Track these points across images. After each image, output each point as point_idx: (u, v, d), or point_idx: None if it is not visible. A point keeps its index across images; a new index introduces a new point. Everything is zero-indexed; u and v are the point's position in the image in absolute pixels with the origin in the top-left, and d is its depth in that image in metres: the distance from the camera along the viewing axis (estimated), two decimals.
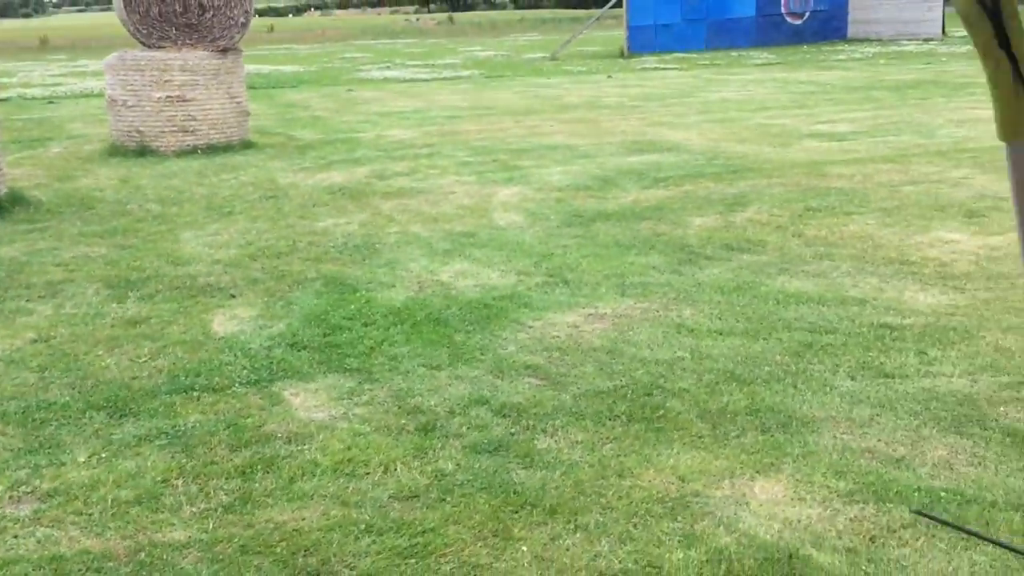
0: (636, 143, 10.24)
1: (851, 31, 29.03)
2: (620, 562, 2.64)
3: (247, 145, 10.41)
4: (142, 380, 4.02)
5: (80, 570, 2.66)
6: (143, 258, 6.00)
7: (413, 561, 2.68)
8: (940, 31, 28.80)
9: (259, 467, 3.24)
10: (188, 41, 10.08)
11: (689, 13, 27.00)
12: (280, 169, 9.17)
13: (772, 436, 3.36)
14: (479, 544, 2.76)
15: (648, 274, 5.38)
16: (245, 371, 4.10)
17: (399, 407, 3.71)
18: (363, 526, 2.86)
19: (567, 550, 2.71)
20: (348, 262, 5.82)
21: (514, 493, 3.02)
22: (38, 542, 2.81)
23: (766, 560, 2.62)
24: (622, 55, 25.60)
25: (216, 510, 2.97)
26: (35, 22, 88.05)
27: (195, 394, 3.87)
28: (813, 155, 9.14)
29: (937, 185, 7.51)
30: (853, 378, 3.84)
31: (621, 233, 6.33)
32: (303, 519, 2.91)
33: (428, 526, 2.85)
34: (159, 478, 3.17)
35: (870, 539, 2.71)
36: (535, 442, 3.37)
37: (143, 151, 9.87)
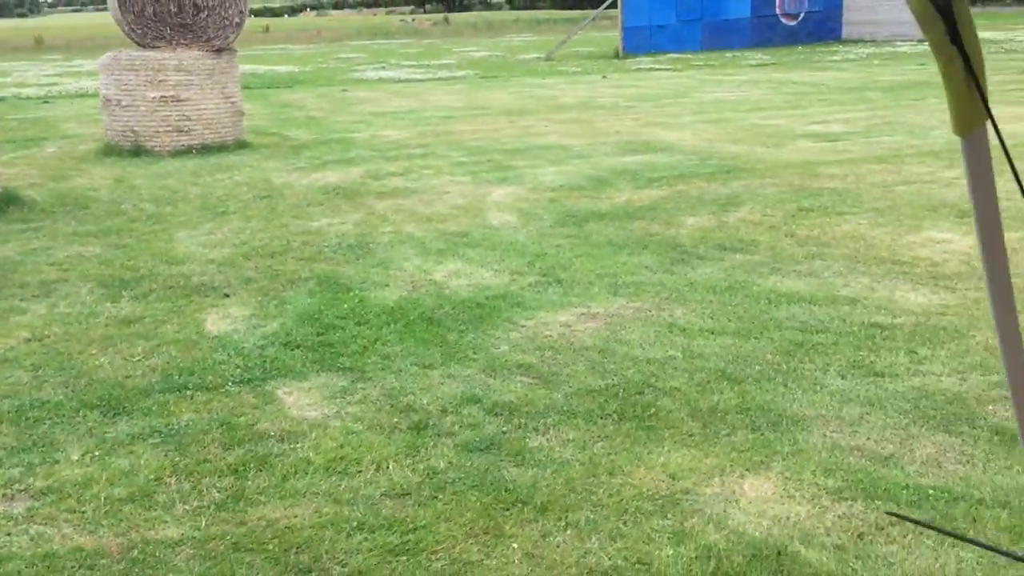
0: (630, 143, 10.26)
1: (846, 32, 29.10)
2: (610, 559, 2.66)
3: (242, 145, 10.41)
4: (135, 379, 4.03)
5: (73, 567, 2.68)
6: (137, 257, 6.01)
7: (404, 558, 2.70)
8: None
9: (252, 465, 3.25)
10: (183, 41, 10.09)
11: (684, 14, 27.06)
12: (275, 169, 9.18)
13: (762, 434, 3.38)
14: (470, 541, 2.77)
15: (641, 274, 5.40)
16: (238, 370, 4.11)
17: (392, 406, 3.72)
18: (355, 523, 2.87)
19: (557, 547, 2.73)
20: (342, 262, 5.83)
21: (505, 491, 3.04)
22: (31, 540, 2.82)
23: (755, 557, 2.64)
24: (617, 56, 25.64)
25: (209, 508, 2.98)
26: (30, 22, 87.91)
27: (188, 393, 3.88)
28: (806, 155, 9.17)
29: (929, 185, 7.54)
30: (843, 377, 3.86)
31: (614, 233, 6.35)
32: (295, 517, 2.92)
33: (420, 523, 2.87)
34: (152, 476, 3.19)
35: (858, 536, 2.73)
36: (527, 440, 3.39)
37: (138, 151, 9.88)
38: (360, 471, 3.20)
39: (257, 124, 12.31)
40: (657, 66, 22.34)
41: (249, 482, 3.14)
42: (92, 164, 9.58)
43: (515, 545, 2.74)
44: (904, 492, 2.95)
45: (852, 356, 4.07)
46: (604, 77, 19.67)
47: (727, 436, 3.38)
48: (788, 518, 2.84)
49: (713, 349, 4.21)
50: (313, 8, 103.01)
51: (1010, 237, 5.91)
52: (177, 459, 3.30)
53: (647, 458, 3.24)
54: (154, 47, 10.02)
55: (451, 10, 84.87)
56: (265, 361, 4.21)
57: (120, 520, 2.92)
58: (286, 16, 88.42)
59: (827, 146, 9.72)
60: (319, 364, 4.17)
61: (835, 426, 3.43)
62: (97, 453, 3.36)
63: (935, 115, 11.76)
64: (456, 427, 3.51)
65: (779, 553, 2.65)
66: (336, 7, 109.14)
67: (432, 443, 3.39)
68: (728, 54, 25.46)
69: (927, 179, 7.79)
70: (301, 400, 3.81)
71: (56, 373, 4.11)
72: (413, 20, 64.88)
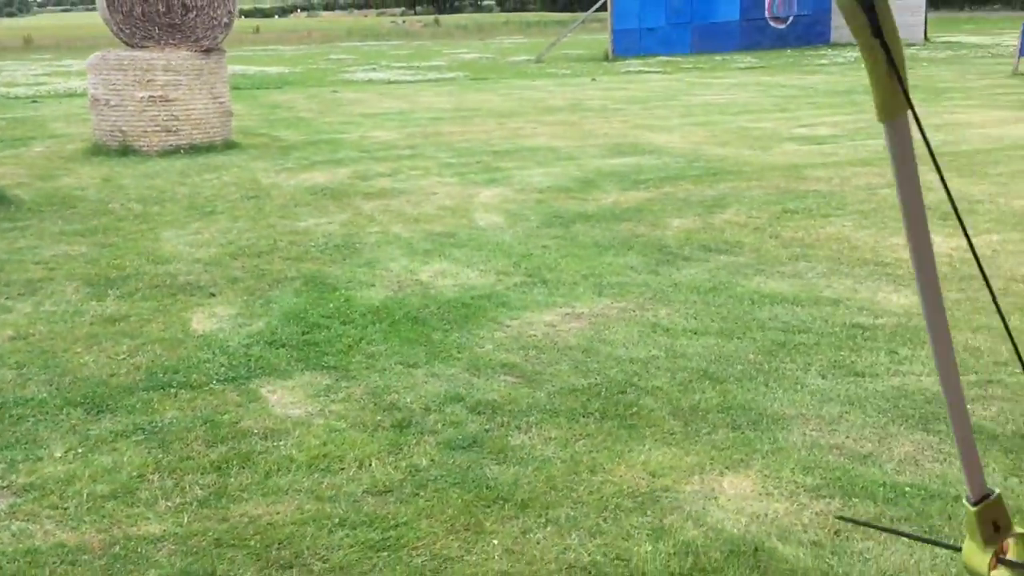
0: (618, 145, 10.30)
1: (834, 36, 29.23)
2: (589, 555, 2.69)
3: (230, 145, 10.41)
4: (120, 377, 4.04)
5: (55, 563, 2.69)
6: (123, 257, 6.01)
7: (385, 554, 2.72)
8: (922, 37, 29.06)
9: (235, 462, 3.26)
10: (171, 41, 10.08)
11: (674, 17, 27.14)
12: (263, 169, 9.18)
13: (742, 433, 3.41)
14: (451, 537, 2.79)
15: (626, 274, 5.43)
16: (223, 368, 4.12)
17: (375, 404, 3.74)
18: (337, 520, 2.89)
19: (537, 543, 2.75)
20: (328, 261, 5.84)
21: (487, 488, 3.06)
22: (13, 535, 2.83)
23: (732, 553, 2.67)
24: (607, 58, 25.70)
25: (191, 504, 2.99)
26: (19, 21, 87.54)
27: (172, 391, 3.89)
28: (793, 158, 9.22)
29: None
30: (824, 376, 3.90)
31: (600, 234, 6.38)
32: (277, 513, 2.93)
33: (401, 520, 2.88)
34: (135, 473, 3.20)
35: (835, 533, 2.76)
36: (509, 438, 3.41)
37: (125, 151, 9.86)
38: (343, 468, 3.22)
39: (246, 124, 12.30)
40: (646, 69, 22.41)
41: (232, 479, 3.15)
42: (80, 164, 9.56)
43: (495, 541, 2.77)
44: (881, 490, 2.98)
45: (833, 356, 4.11)
46: (593, 79, 19.72)
47: (708, 434, 3.41)
48: (766, 515, 2.87)
49: (696, 349, 4.24)
50: (303, 9, 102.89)
51: (990, 239, 5.97)
52: (160, 456, 3.31)
53: (628, 456, 3.26)
54: (142, 47, 10.01)
55: (441, 12, 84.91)
56: (250, 360, 4.22)
57: (102, 516, 2.93)
58: (276, 17, 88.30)
59: (814, 149, 9.78)
60: (304, 363, 4.18)
61: (815, 425, 3.46)
62: (80, 450, 3.37)
63: (921, 119, 11.81)
64: (439, 425, 3.53)
65: (756, 549, 2.68)
66: (327, 8, 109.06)
67: (415, 441, 3.41)
68: (717, 57, 25.55)
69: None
70: (285, 398, 3.82)
71: (40, 371, 4.12)
72: (404, 22, 64.89)
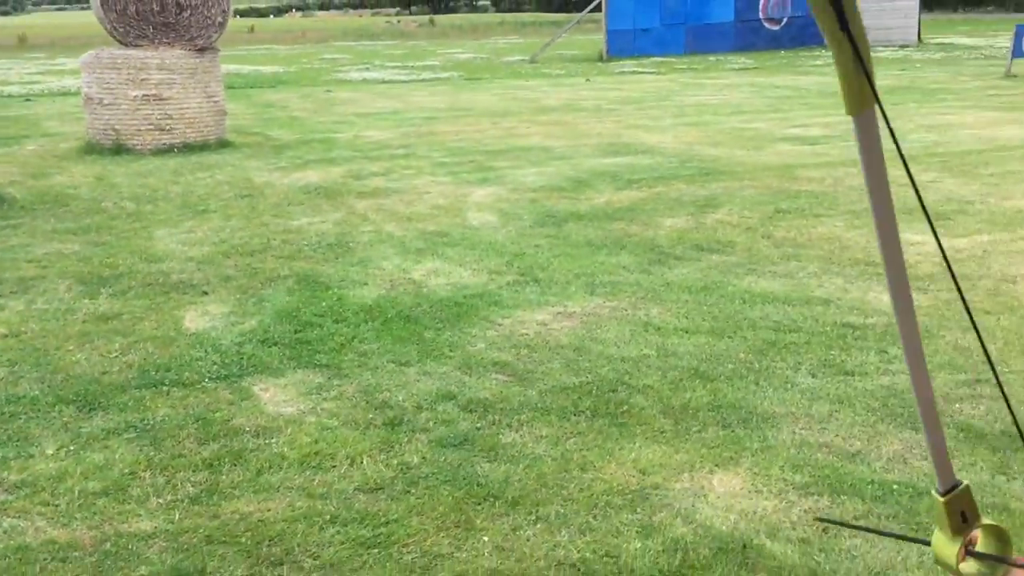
0: (611, 145, 10.32)
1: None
2: (579, 552, 2.70)
3: (224, 144, 10.40)
4: (112, 375, 4.04)
5: (45, 559, 2.69)
6: (116, 255, 6.00)
7: (376, 551, 2.73)
8: (916, 38, 29.16)
9: (226, 460, 3.27)
10: (165, 40, 10.07)
11: (668, 18, 27.18)
12: (256, 168, 9.18)
13: (732, 431, 3.43)
14: (441, 535, 2.80)
15: (618, 273, 5.45)
16: (215, 366, 4.13)
17: (367, 402, 3.75)
18: (328, 517, 2.90)
19: (527, 540, 2.76)
20: (321, 260, 5.85)
21: (477, 485, 3.07)
22: (4, 532, 2.83)
23: (720, 550, 2.68)
24: (601, 59, 25.73)
25: (183, 501, 3.00)
26: (13, 20, 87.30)
27: (165, 388, 3.89)
28: (785, 158, 9.25)
29: (905, 188, 7.47)
30: (814, 375, 3.92)
31: (593, 233, 6.40)
32: (269, 510, 2.94)
33: (392, 517, 2.90)
34: (127, 470, 3.20)
35: (823, 530, 2.78)
36: (500, 436, 3.43)
37: (119, 149, 9.85)
38: (334, 466, 3.23)
39: (240, 124, 12.30)
40: (640, 69, 22.44)
41: (223, 476, 3.16)
42: (73, 162, 9.55)
43: (485, 538, 2.78)
44: (870, 487, 3.00)
45: (823, 355, 4.13)
46: (588, 80, 19.74)
47: (698, 433, 3.43)
48: (755, 512, 2.88)
49: (687, 348, 4.26)
50: (299, 9, 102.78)
51: (981, 240, 6.00)
52: (152, 454, 3.32)
53: (618, 454, 3.28)
54: (136, 45, 10.00)
55: (436, 12, 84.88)
56: (242, 358, 4.23)
57: (93, 513, 2.93)
58: (271, 16, 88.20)
59: (806, 149, 9.81)
60: (296, 361, 4.19)
61: (804, 423, 3.48)
62: (72, 447, 3.37)
63: (913, 120, 11.88)
64: (431, 423, 3.54)
65: (744, 546, 2.69)
66: (322, 8, 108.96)
67: (406, 439, 3.42)
68: (711, 58, 25.59)
69: (903, 182, 7.80)
70: (277, 396, 3.83)
71: (32, 369, 4.12)
72: (398, 21, 64.86)
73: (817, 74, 19.98)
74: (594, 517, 2.88)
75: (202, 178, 8.66)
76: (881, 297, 4.93)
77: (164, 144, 9.96)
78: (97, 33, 12.13)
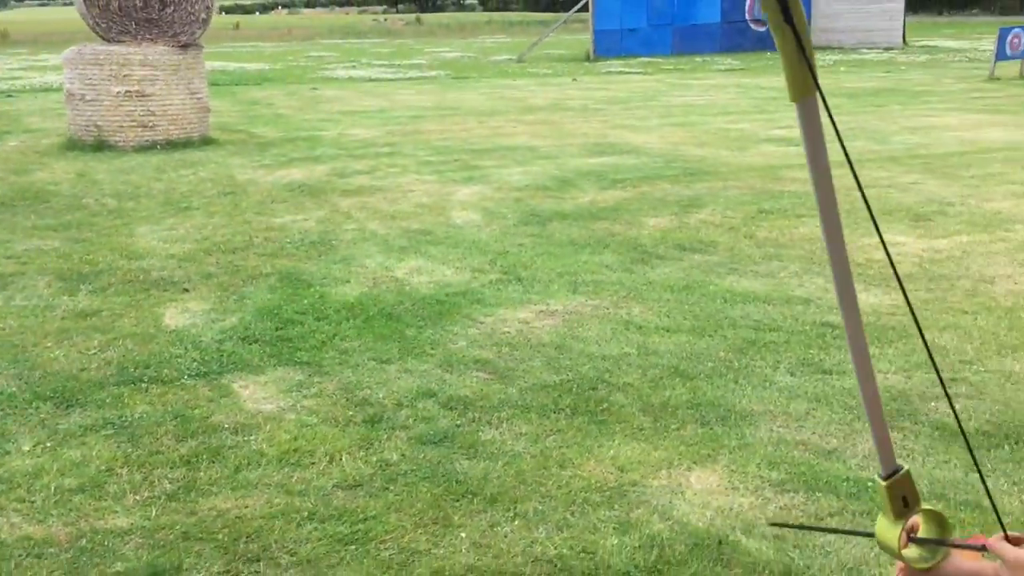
0: (597, 145, 10.34)
1: (814, 39, 29.26)
2: (556, 548, 2.71)
3: (207, 141, 10.36)
4: (90, 372, 4.02)
5: (20, 555, 2.68)
6: (97, 252, 5.97)
7: (353, 547, 2.73)
8: (901, 40, 29.33)
9: (204, 457, 3.26)
10: (148, 36, 10.02)
11: (655, 18, 27.23)
12: (240, 166, 9.15)
13: (711, 429, 3.45)
14: (419, 531, 2.81)
15: (601, 272, 5.46)
16: (195, 363, 4.12)
17: (347, 399, 3.75)
18: (306, 514, 2.90)
19: (505, 537, 2.77)
20: (303, 258, 5.84)
21: (456, 482, 3.08)
22: None
23: (696, 546, 2.70)
24: (588, 59, 25.76)
25: (160, 498, 2.99)
26: None
27: (143, 385, 3.88)
28: (770, 159, 9.29)
29: (887, 190, 7.68)
30: (792, 374, 3.94)
31: (576, 232, 6.41)
32: (246, 507, 2.94)
33: (370, 514, 2.90)
34: (103, 467, 3.19)
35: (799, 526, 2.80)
36: (480, 434, 3.43)
37: (101, 146, 9.80)
38: (313, 463, 3.23)
39: (224, 121, 12.25)
40: (627, 69, 22.48)
41: (201, 473, 3.15)
42: (54, 158, 9.49)
43: (463, 535, 2.78)
44: (845, 484, 3.02)
45: (802, 354, 4.15)
46: (574, 80, 19.77)
47: (676, 430, 3.44)
48: (731, 509, 2.90)
49: (668, 346, 4.27)
50: (285, 6, 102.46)
51: (960, 240, 6.05)
52: (129, 450, 3.31)
53: (597, 451, 3.29)
54: (119, 41, 9.94)
55: (424, 10, 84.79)
56: (222, 355, 4.22)
57: (69, 510, 2.92)
58: (257, 14, 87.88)
59: (791, 150, 9.85)
60: (277, 358, 4.18)
61: (782, 421, 3.51)
62: (49, 444, 3.36)
63: (897, 121, 11.96)
64: (410, 420, 3.55)
65: (720, 542, 2.71)
66: (308, 5, 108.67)
67: (386, 436, 3.42)
68: (698, 59, 25.67)
69: (885, 183, 7.94)
70: (257, 393, 3.82)
71: (10, 365, 4.09)
72: (385, 20, 64.77)
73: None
74: (572, 514, 2.89)
75: (185, 175, 8.62)
76: (860, 297, 4.96)
77: (147, 141, 9.91)
78: (80, 29, 12.06)
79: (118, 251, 5.99)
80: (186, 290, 5.20)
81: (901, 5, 29.51)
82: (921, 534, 1.19)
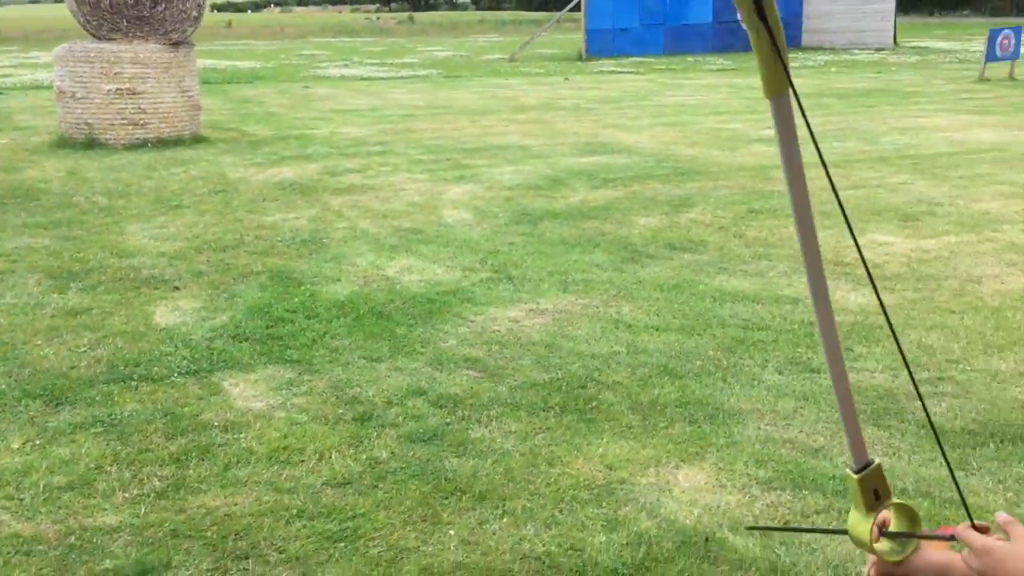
0: (588, 144, 10.36)
1: (805, 40, 29.51)
2: (544, 545, 2.72)
3: (198, 139, 10.34)
4: (80, 369, 4.02)
5: (9, 552, 2.68)
6: (87, 250, 5.97)
7: (342, 545, 2.74)
8: (892, 41, 29.43)
9: (194, 454, 3.27)
10: (139, 33, 10.00)
11: (647, 18, 27.28)
12: (231, 164, 9.14)
13: (699, 427, 3.47)
14: (408, 528, 2.82)
15: (591, 271, 5.48)
16: (185, 361, 4.12)
17: (337, 397, 3.75)
18: (295, 511, 2.90)
19: (493, 534, 2.78)
20: (294, 256, 5.84)
21: (445, 480, 3.09)
22: None
23: (684, 543, 2.71)
24: (580, 58, 25.78)
25: (149, 496, 3.00)
26: None
27: (133, 383, 3.88)
28: (760, 159, 9.32)
29: (876, 190, 7.71)
30: (781, 372, 3.96)
31: (567, 232, 6.43)
32: (235, 505, 2.94)
33: (359, 511, 2.91)
34: (93, 465, 3.19)
35: (784, 523, 2.82)
36: (469, 432, 3.44)
37: (91, 143, 9.77)
38: (303, 461, 3.24)
39: (215, 119, 12.23)
40: (619, 69, 22.51)
41: (190, 471, 3.15)
42: (45, 156, 9.47)
43: (452, 532, 2.80)
44: (831, 482, 3.04)
45: (790, 353, 4.18)
46: (566, 79, 19.78)
47: (665, 428, 3.46)
48: (719, 506, 2.92)
49: (657, 345, 4.29)
50: (277, 4, 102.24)
51: (948, 241, 6.08)
52: (119, 448, 3.31)
53: (586, 449, 3.30)
54: (110, 39, 9.92)
55: (416, 9, 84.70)
56: (212, 353, 4.22)
57: (58, 507, 2.92)
58: (250, 12, 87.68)
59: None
60: (267, 356, 4.19)
61: (770, 419, 3.53)
62: (38, 442, 3.35)
63: (887, 122, 12.01)
64: (400, 418, 3.55)
65: (707, 539, 2.73)
66: (300, 4, 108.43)
67: (376, 434, 3.43)
68: (690, 58, 25.71)
69: (874, 184, 7.97)
70: (247, 391, 3.82)
71: (0, 363, 4.09)
72: (378, 18, 64.70)
73: (794, 76, 20.00)
74: (560, 511, 2.90)
75: (176, 173, 8.61)
76: (848, 296, 5.00)
77: (137, 139, 9.89)
78: (71, 26, 12.03)
79: (108, 249, 5.98)
80: (176, 288, 5.19)
81: (892, 6, 29.62)
82: (892, 528, 1.21)
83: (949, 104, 14.18)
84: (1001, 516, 1.12)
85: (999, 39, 17.56)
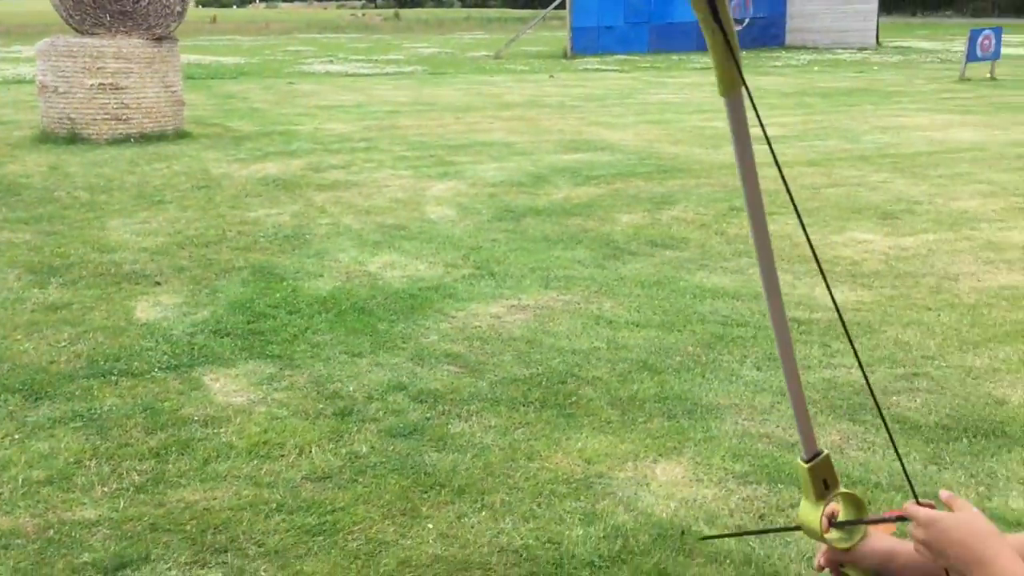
0: (572, 142, 10.39)
1: (789, 39, 29.66)
2: (522, 538, 2.75)
3: (181, 135, 10.31)
4: (60, 364, 4.01)
5: None
6: (68, 245, 5.94)
7: (321, 538, 2.75)
8: (874, 41, 29.61)
9: (174, 449, 3.27)
10: (122, 28, 9.95)
11: (632, 16, 27.33)
12: (214, 159, 9.11)
13: (677, 422, 3.50)
14: (387, 522, 2.84)
15: (573, 268, 5.51)
16: (166, 356, 4.12)
17: (318, 392, 3.76)
18: (274, 505, 2.92)
19: (472, 528, 2.81)
20: (277, 252, 5.84)
21: (425, 474, 3.11)
22: None
23: (660, 536, 2.74)
24: (565, 56, 25.81)
25: (128, 490, 3.00)
26: None
27: (113, 378, 3.87)
28: None
29: (856, 188, 7.78)
30: (759, 368, 4.00)
31: (550, 228, 6.45)
32: (215, 499, 2.95)
33: (338, 505, 2.92)
34: (72, 459, 3.19)
35: (759, 517, 2.85)
36: (449, 426, 3.46)
37: (74, 138, 9.72)
38: (283, 455, 3.25)
39: (199, 114, 12.18)
40: (604, 67, 22.56)
41: (170, 465, 3.16)
42: (26, 151, 9.41)
43: (430, 525, 2.82)
44: None
45: (769, 349, 4.21)
46: (551, 76, 19.81)
47: (643, 423, 3.49)
48: (695, 500, 2.95)
49: (637, 341, 4.32)
50: (263, 0, 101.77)
51: (927, 239, 6.14)
52: (98, 443, 3.31)
53: (565, 444, 3.33)
54: (93, 34, 9.87)
55: (402, 6, 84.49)
56: (193, 348, 4.22)
57: (37, 502, 2.92)
58: (235, 7, 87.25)
59: (762, 149, 9.91)
60: (248, 352, 4.19)
61: (747, 414, 3.56)
62: (17, 436, 3.35)
63: (868, 121, 12.09)
64: (381, 413, 3.57)
65: (683, 533, 2.76)
66: None
67: (356, 428, 3.44)
68: (674, 57, 25.78)
69: (855, 182, 8.04)
70: (228, 386, 3.83)
71: None
72: (363, 15, 64.53)
73: (777, 75, 20.23)
74: (538, 505, 2.93)
75: (158, 168, 8.58)
76: (827, 293, 5.04)
77: (120, 134, 9.85)
78: (53, 21, 11.94)
79: (90, 244, 5.96)
80: (158, 283, 5.19)
81: (875, 6, 29.80)
82: (840, 517, 1.24)
83: (930, 104, 14.30)
84: (944, 493, 1.16)
85: (980, 39, 17.71)
